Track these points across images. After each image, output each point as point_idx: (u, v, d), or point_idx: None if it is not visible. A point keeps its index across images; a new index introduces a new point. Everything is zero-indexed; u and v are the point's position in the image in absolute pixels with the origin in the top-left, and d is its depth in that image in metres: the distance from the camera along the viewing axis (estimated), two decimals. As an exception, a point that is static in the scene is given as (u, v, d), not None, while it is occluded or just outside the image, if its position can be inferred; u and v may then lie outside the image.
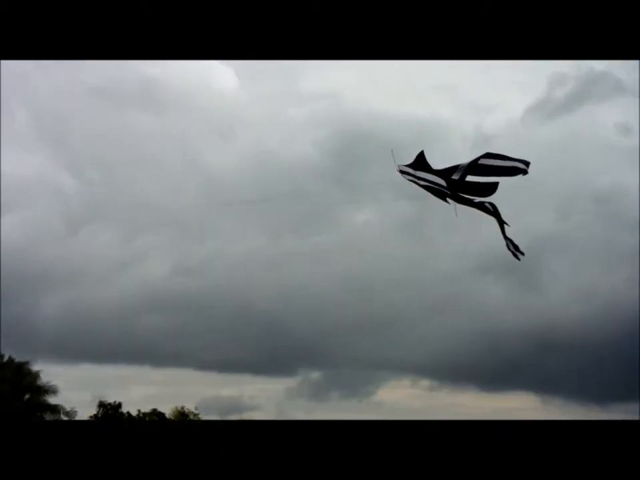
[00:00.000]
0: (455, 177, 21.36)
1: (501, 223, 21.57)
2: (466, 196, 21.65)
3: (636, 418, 24.63)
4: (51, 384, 51.32)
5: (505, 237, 21.68)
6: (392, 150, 22.16)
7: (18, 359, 51.14)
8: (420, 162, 22.18)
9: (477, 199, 21.62)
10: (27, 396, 49.87)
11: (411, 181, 22.11)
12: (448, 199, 21.77)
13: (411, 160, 22.29)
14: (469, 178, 21.48)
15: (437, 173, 21.85)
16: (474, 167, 21.29)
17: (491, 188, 21.31)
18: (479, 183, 21.51)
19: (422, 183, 22.03)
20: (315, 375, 72.91)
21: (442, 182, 21.66)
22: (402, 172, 22.26)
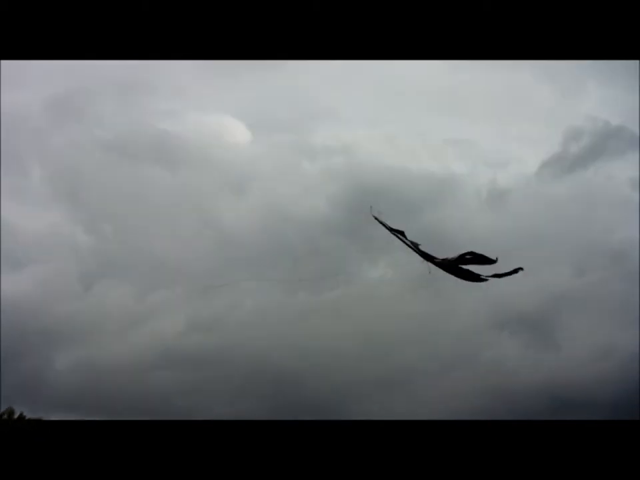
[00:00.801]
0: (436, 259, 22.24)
1: (487, 261, 21.89)
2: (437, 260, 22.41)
3: (636, 418, 24.57)
4: None
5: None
6: (370, 206, 22.70)
7: (30, 415, 50.97)
8: (400, 233, 22.70)
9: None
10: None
11: (383, 225, 22.59)
12: (421, 257, 22.49)
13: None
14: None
15: (420, 251, 22.52)
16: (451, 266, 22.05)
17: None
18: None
19: (395, 233, 22.65)
20: (328, 432, 71.74)
21: (415, 247, 22.50)
22: (378, 220, 22.73)
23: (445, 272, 22.45)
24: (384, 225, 22.58)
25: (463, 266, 22.22)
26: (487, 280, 22.20)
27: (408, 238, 22.63)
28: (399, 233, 22.67)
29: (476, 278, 22.28)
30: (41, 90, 48.01)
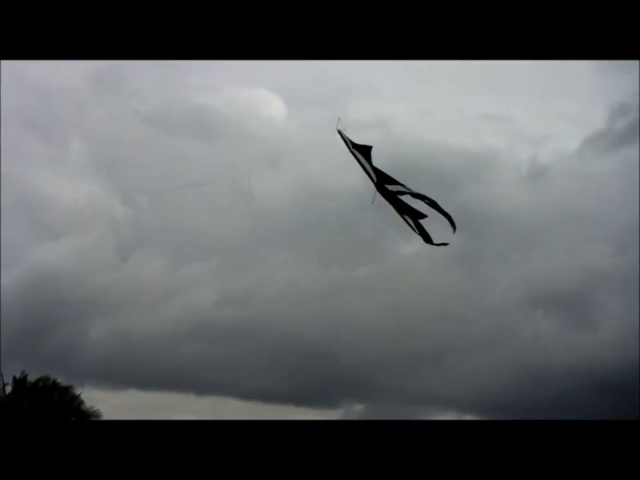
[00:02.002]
0: (392, 188, 21.84)
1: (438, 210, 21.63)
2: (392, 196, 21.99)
3: (636, 418, 24.60)
4: (94, 408, 51.90)
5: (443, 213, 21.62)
6: (339, 118, 22.07)
7: (64, 382, 51.16)
8: (363, 149, 22.19)
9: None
10: (72, 419, 49.82)
11: (345, 143, 22.10)
12: (373, 181, 22.06)
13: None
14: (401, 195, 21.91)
15: (375, 169, 22.08)
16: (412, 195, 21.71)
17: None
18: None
19: (354, 152, 22.12)
20: (358, 407, 72.03)
21: (374, 178, 22.00)
22: (341, 135, 22.20)
23: (391, 205, 22.04)
24: (346, 141, 22.11)
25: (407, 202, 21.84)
26: (416, 232, 21.97)
27: (372, 162, 22.06)
28: (363, 151, 22.05)
29: (417, 215, 21.91)
30: (82, 62, 48.18)
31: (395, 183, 22.05)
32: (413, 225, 22.18)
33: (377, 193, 22.08)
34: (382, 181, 22.07)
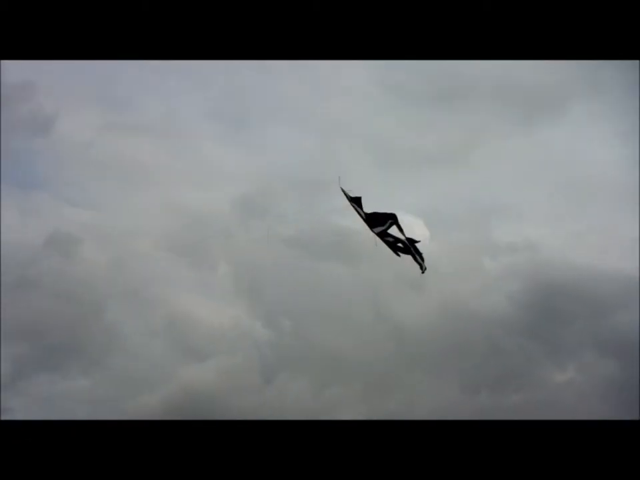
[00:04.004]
0: (376, 230, 25.20)
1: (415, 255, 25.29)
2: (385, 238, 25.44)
3: (636, 418, 24.58)
4: None
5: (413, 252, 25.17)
6: (339, 177, 24.85)
7: None
8: (357, 201, 25.10)
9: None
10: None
11: (346, 197, 24.88)
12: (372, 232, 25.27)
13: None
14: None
15: (367, 216, 25.21)
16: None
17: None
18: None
19: (356, 210, 25.15)
20: None
21: (363, 216, 25.13)
22: (343, 190, 24.90)
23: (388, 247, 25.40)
24: (346, 195, 24.77)
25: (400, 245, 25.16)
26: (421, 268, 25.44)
27: (364, 210, 24.97)
28: (357, 202, 24.92)
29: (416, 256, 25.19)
30: (230, 191, 50.12)
31: (380, 225, 25.25)
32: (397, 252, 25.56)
33: (376, 237, 25.32)
34: (372, 224, 25.21)
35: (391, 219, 24.95)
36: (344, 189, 24.72)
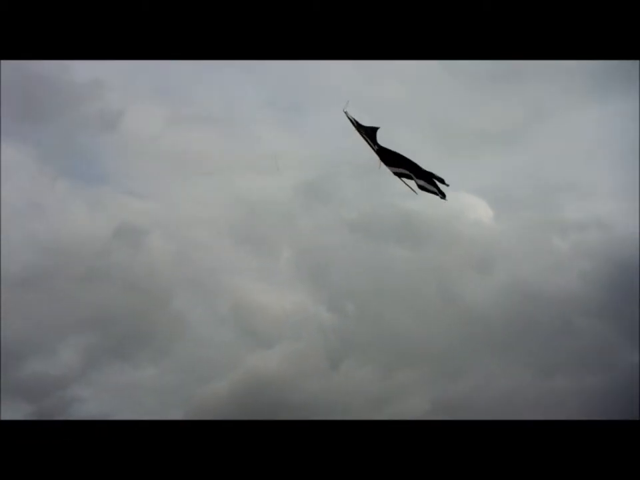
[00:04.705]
0: (393, 170, 23.18)
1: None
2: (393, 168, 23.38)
3: (636, 418, 24.59)
4: None
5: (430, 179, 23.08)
6: (347, 101, 22.86)
7: None
8: (370, 130, 23.33)
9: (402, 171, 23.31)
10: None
11: (352, 123, 23.13)
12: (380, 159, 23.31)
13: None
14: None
15: (381, 150, 23.27)
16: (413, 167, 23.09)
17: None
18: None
19: (360, 131, 23.29)
20: None
21: (375, 149, 23.23)
22: (347, 116, 23.09)
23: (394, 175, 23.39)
24: (353, 122, 23.09)
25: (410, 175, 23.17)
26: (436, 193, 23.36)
27: (377, 140, 23.21)
28: (368, 131, 23.20)
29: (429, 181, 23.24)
30: (292, 177, 50.61)
31: (398, 165, 23.19)
32: (413, 189, 23.41)
33: (382, 163, 23.33)
34: (386, 161, 23.21)
35: (412, 170, 23.21)
36: (350, 115, 23.03)
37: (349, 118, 22.97)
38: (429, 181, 23.18)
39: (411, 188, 23.32)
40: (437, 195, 23.27)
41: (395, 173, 23.22)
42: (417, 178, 23.13)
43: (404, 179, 23.33)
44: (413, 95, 54.97)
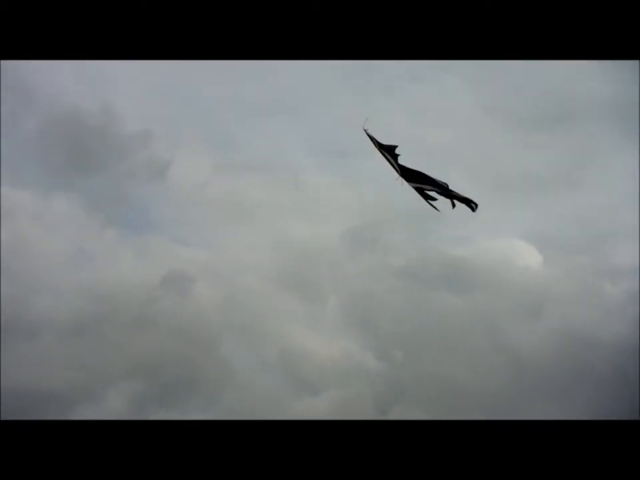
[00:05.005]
0: (413, 185, 23.09)
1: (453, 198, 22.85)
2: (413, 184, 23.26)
3: (636, 418, 24.61)
4: None
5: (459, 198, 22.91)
6: (366, 118, 22.82)
7: None
8: (389, 148, 23.26)
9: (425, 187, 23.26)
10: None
11: (372, 141, 23.12)
12: (398, 174, 23.27)
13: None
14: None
15: (400, 167, 23.21)
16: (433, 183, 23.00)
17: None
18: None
19: (381, 150, 23.29)
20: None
21: (396, 165, 23.19)
22: (367, 134, 23.08)
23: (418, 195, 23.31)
24: (373, 141, 23.03)
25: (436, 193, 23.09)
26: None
27: (398, 160, 23.11)
28: (388, 150, 23.12)
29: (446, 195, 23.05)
30: (338, 223, 51.09)
31: (418, 181, 23.14)
32: (436, 207, 23.27)
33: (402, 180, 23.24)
34: (405, 177, 23.15)
35: (437, 187, 23.10)
36: (368, 132, 22.94)
37: (368, 135, 22.96)
38: (454, 196, 22.98)
39: (434, 207, 23.19)
40: (467, 204, 22.99)
41: (417, 189, 23.14)
42: (440, 194, 22.99)
43: (430, 201, 23.15)
44: (461, 138, 54.67)
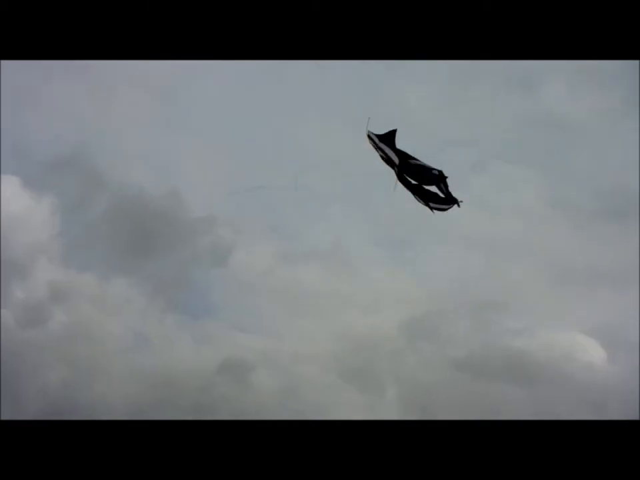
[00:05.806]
0: (413, 162, 23.47)
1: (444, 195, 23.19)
2: (410, 180, 23.62)
3: (636, 418, 24.61)
4: None
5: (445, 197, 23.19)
6: (368, 118, 23.19)
7: None
8: (388, 137, 23.56)
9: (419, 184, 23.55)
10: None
11: (374, 147, 23.47)
12: (397, 179, 23.58)
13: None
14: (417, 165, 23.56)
15: (397, 151, 23.50)
16: (425, 172, 23.31)
17: (433, 178, 23.22)
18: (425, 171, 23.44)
19: (380, 153, 23.59)
20: None
21: (396, 161, 23.45)
22: (370, 137, 23.45)
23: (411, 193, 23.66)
24: (374, 141, 23.30)
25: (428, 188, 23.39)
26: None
27: (396, 145, 23.36)
28: (388, 139, 23.34)
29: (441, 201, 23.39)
30: (398, 313, 51.16)
31: (414, 175, 23.47)
32: (432, 207, 23.60)
33: (398, 182, 23.54)
34: (404, 159, 23.40)
35: (436, 182, 23.24)
36: (372, 133, 23.24)
37: (371, 139, 23.23)
38: (440, 190, 23.21)
39: (430, 207, 23.37)
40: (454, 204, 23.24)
41: (413, 190, 23.34)
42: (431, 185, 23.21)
43: (428, 202, 23.35)
44: (527, 232, 53.93)
